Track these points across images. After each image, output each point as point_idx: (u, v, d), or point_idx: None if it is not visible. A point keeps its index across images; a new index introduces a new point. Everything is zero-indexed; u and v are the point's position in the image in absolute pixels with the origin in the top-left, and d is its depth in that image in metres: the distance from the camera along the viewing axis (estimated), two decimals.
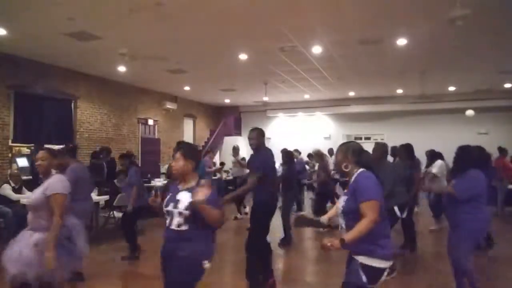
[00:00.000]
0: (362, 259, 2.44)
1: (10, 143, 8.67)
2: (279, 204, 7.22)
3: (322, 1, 5.77)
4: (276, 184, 4.64)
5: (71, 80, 10.26)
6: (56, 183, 3.08)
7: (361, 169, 2.56)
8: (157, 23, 6.58)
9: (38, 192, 3.09)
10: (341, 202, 2.64)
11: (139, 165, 12.13)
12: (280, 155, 8.99)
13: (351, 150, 2.62)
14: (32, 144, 8.96)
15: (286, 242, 6.44)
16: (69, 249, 3.06)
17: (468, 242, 3.69)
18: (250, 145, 4.33)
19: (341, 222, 2.61)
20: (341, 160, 2.65)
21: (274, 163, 4.46)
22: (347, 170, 2.62)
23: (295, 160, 8.55)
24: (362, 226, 2.33)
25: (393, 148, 7.01)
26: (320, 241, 2.40)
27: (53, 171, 3.24)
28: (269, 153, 4.33)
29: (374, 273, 2.43)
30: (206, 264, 2.52)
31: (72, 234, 3.13)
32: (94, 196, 6.97)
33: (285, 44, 7.90)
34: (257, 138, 4.31)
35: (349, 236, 2.34)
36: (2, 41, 7.58)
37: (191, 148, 2.78)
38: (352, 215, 2.47)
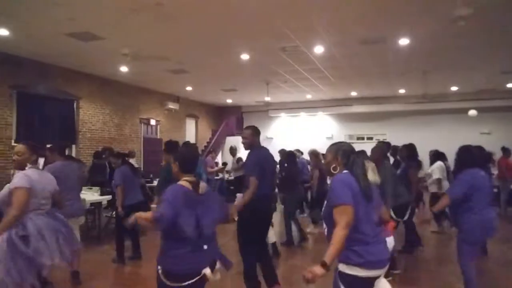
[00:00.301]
0: (340, 266, 2.28)
1: (12, 143, 8.68)
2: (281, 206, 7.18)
3: (323, 1, 5.76)
4: (272, 185, 4.35)
5: (74, 80, 10.28)
6: (18, 177, 2.96)
7: (343, 171, 2.40)
8: (158, 23, 6.59)
9: (5, 189, 3.00)
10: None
11: (141, 165, 12.19)
12: (279, 155, 8.87)
13: (341, 151, 2.45)
14: None
15: (287, 243, 6.41)
16: (23, 252, 2.79)
17: (465, 245, 3.58)
18: (243, 144, 4.09)
19: (324, 227, 2.46)
20: (330, 161, 2.48)
21: (270, 163, 4.17)
22: (335, 172, 2.44)
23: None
24: (336, 238, 2.14)
25: (394, 147, 6.96)
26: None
27: (28, 165, 3.10)
28: (263, 153, 4.03)
29: (352, 281, 2.22)
30: (160, 271, 2.42)
31: (28, 233, 2.86)
32: (97, 196, 6.97)
33: (287, 44, 7.90)
34: (251, 137, 4.05)
35: (328, 255, 2.11)
36: (5, 42, 7.60)
37: (179, 149, 2.76)
38: (329, 220, 2.31)
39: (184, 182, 2.54)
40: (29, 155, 3.13)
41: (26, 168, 3.10)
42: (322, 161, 7.75)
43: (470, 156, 3.71)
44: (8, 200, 2.91)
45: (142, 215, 2.37)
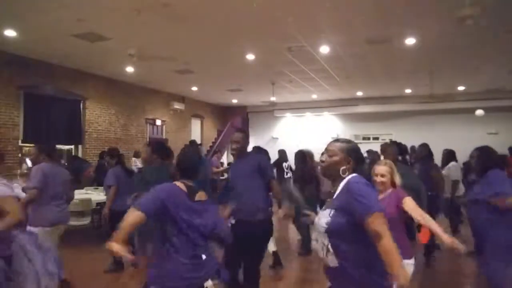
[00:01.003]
0: None
1: (20, 143, 8.75)
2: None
3: (329, 1, 5.73)
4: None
5: (80, 81, 10.34)
6: None
7: (353, 174, 2.02)
8: (165, 24, 6.61)
9: None
10: (322, 218, 2.01)
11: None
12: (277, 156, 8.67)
13: (354, 154, 2.05)
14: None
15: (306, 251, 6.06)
16: (5, 277, 2.53)
17: (494, 258, 3.21)
18: (234, 149, 3.67)
19: (322, 245, 1.99)
20: (339, 162, 2.03)
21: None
22: (343, 175, 2.02)
23: None
24: (391, 255, 1.76)
25: (403, 147, 6.85)
26: None
27: None
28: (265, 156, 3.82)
29: None
30: None
31: (12, 252, 2.60)
32: (102, 195, 6.98)
33: (293, 44, 7.88)
34: (243, 141, 3.70)
35: (400, 276, 1.72)
36: (12, 42, 7.66)
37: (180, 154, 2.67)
38: (342, 235, 1.91)
39: (180, 183, 2.42)
40: None
41: None
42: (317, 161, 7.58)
43: (493, 157, 3.55)
44: None
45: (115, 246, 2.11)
